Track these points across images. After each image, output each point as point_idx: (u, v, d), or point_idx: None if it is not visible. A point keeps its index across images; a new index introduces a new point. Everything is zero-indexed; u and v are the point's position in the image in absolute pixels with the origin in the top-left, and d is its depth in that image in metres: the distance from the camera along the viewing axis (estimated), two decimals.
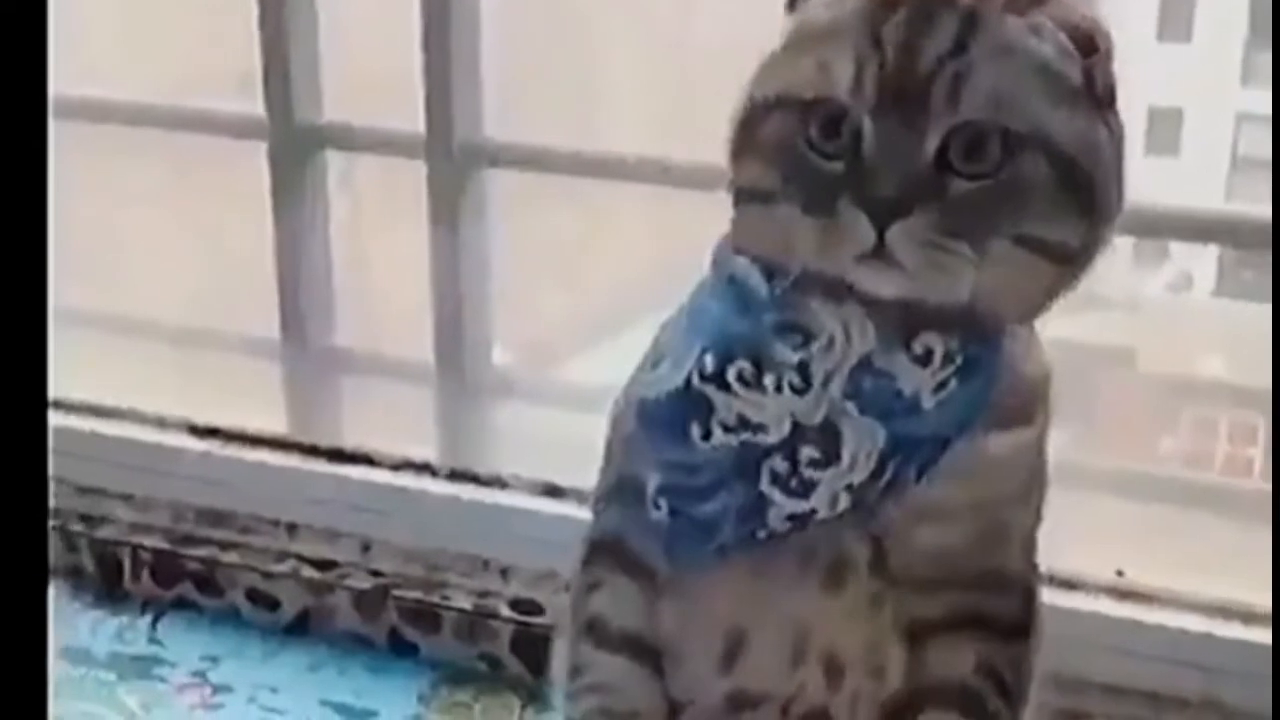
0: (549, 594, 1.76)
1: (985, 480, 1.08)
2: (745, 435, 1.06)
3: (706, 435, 1.07)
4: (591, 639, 1.17)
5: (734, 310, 1.07)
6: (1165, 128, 3.46)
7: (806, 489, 1.06)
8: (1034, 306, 1.07)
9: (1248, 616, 1.61)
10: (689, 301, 1.12)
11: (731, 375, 1.06)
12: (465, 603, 1.82)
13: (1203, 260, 3.59)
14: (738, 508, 1.08)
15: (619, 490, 1.16)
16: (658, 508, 1.10)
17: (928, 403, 1.04)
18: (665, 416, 1.09)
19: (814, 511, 1.06)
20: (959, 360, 1.04)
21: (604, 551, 1.17)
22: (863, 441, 1.05)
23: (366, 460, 1.92)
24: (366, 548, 1.89)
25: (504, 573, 1.84)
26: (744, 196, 1.06)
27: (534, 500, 1.84)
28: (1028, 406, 1.09)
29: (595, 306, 1.84)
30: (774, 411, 1.06)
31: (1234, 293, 3.55)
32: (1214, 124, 3.29)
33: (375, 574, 1.87)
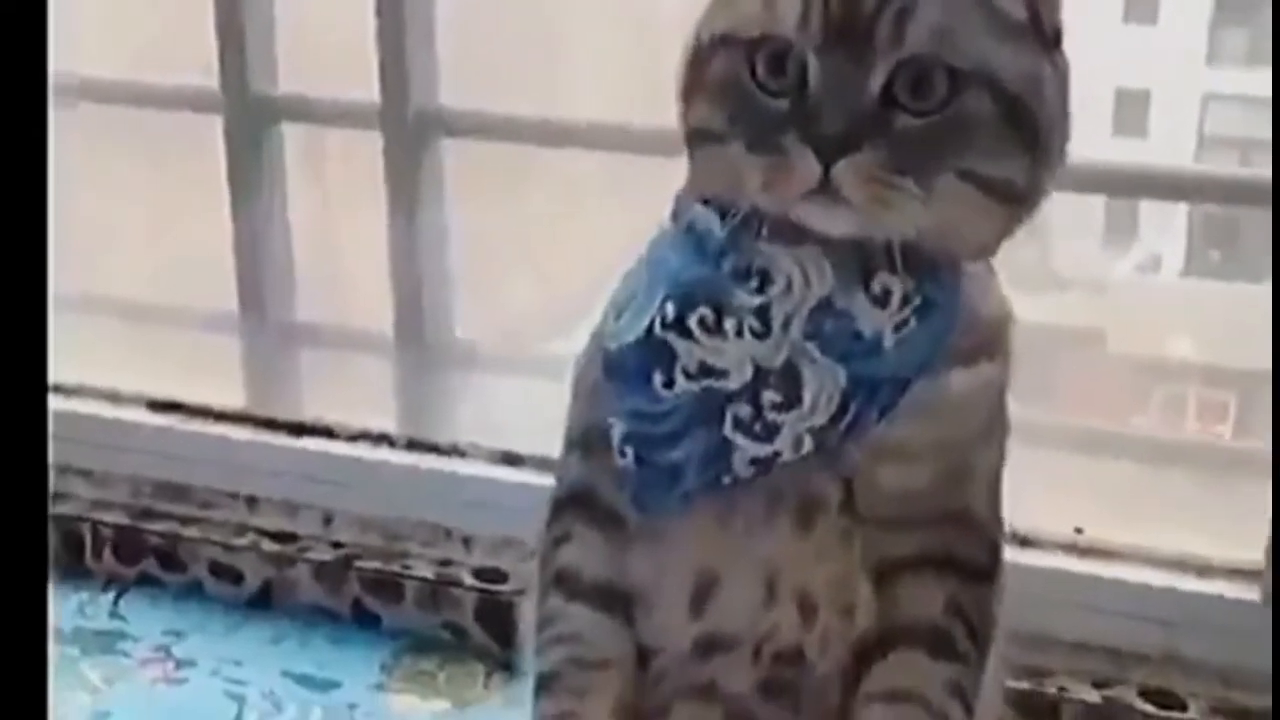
0: (512, 561, 1.76)
1: (947, 419, 1.09)
2: (708, 381, 1.07)
3: (670, 383, 1.08)
4: (561, 590, 1.17)
5: (693, 258, 1.08)
6: (1132, 109, 3.49)
7: (770, 433, 1.07)
8: (985, 245, 1.08)
9: (1204, 569, 1.62)
10: (648, 251, 1.12)
11: (693, 322, 1.07)
12: (427, 572, 1.82)
13: (1171, 241, 3.61)
14: (702, 453, 1.08)
15: (585, 441, 1.16)
16: (624, 456, 1.10)
17: (888, 342, 1.05)
18: (629, 365, 1.09)
19: (778, 455, 1.07)
20: (917, 300, 1.05)
21: (572, 503, 1.18)
22: (824, 383, 1.05)
23: (325, 432, 1.92)
24: (327, 519, 1.89)
25: (466, 541, 1.84)
26: (695, 138, 1.07)
27: (494, 469, 1.84)
28: (988, 345, 1.10)
29: (558, 278, 1.84)
30: (735, 356, 1.06)
31: (1202, 273, 3.57)
32: (1181, 104, 3.32)
33: (336, 545, 1.87)
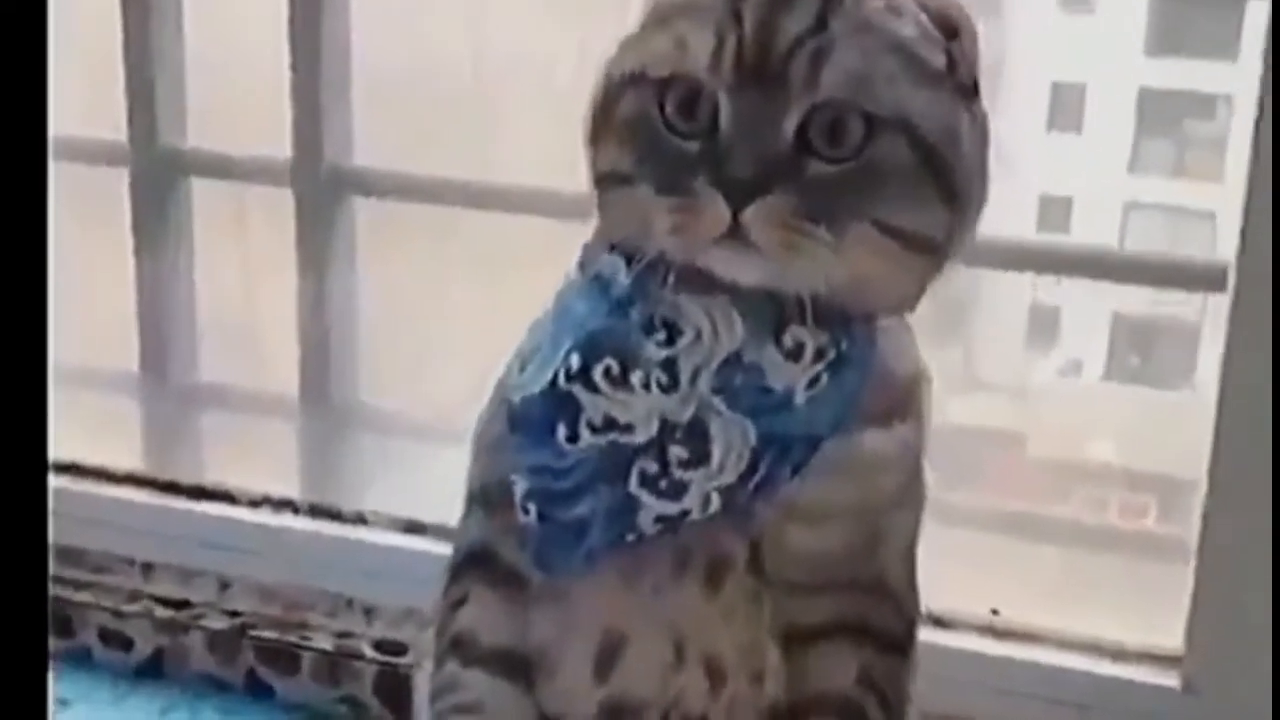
0: (413, 633, 1.70)
1: (860, 480, 1.05)
2: (613, 435, 1.03)
3: (574, 437, 1.04)
4: (458, 656, 1.13)
5: (600, 308, 1.04)
6: (1068, 103, 3.50)
7: (677, 490, 1.03)
8: (901, 299, 1.05)
9: (1121, 654, 1.58)
10: (555, 301, 1.08)
11: (598, 374, 1.03)
12: (326, 643, 1.76)
13: (1092, 345, 3.62)
14: (606, 510, 1.04)
15: (486, 498, 1.12)
16: (526, 512, 1.06)
17: (799, 399, 1.02)
18: (532, 418, 1.05)
19: (685, 513, 1.03)
20: (831, 355, 1.02)
21: (471, 563, 1.13)
22: (733, 440, 1.02)
23: (225, 497, 1.86)
24: (224, 586, 1.83)
25: (367, 612, 1.78)
26: (603, 181, 1.04)
27: (398, 537, 1.79)
28: (903, 404, 1.07)
29: (474, 344, 1.80)
30: (642, 410, 1.02)
31: (1122, 378, 3.58)
32: (1117, 98, 3.33)
33: (232, 614, 1.81)
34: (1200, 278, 1.57)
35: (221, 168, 1.92)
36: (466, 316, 1.85)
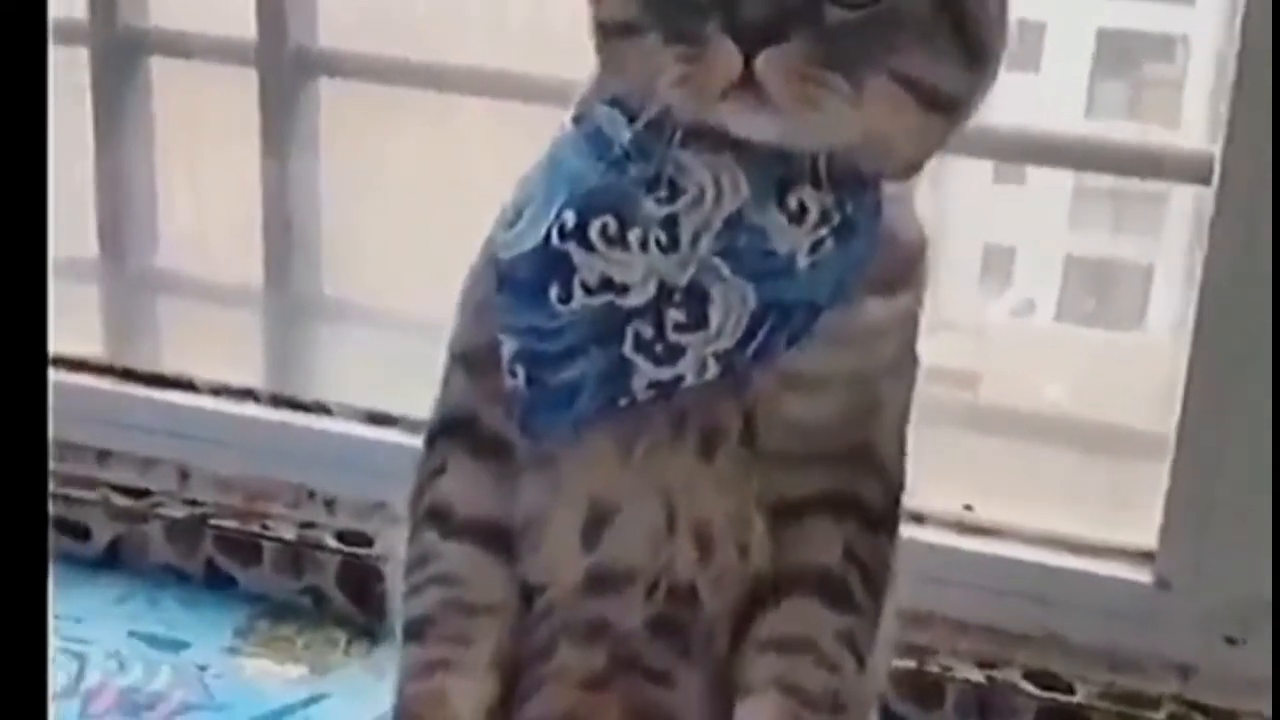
0: (378, 525, 1.67)
1: (860, 350, 1.03)
2: (608, 297, 1.00)
3: (567, 297, 1.00)
4: (436, 526, 1.09)
5: (597, 162, 1.00)
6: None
7: (672, 354, 1.00)
8: (911, 160, 1.02)
9: (1094, 550, 1.57)
10: (548, 154, 1.04)
11: (594, 232, 0.99)
12: (288, 534, 1.74)
13: (1045, 287, 3.64)
14: (598, 374, 1.01)
15: (470, 360, 1.08)
16: (513, 375, 1.03)
17: (802, 263, 0.99)
18: (522, 277, 1.02)
19: (680, 378, 1.00)
20: (836, 219, 0.99)
21: (452, 430, 1.10)
22: (732, 304, 0.99)
23: (185, 385, 1.83)
24: (184, 476, 1.80)
25: (329, 503, 1.75)
26: (605, 31, 1.00)
27: (361, 428, 1.76)
28: (905, 273, 1.04)
29: (438, 230, 1.76)
30: (639, 271, 0.99)
31: (1075, 319, 3.59)
32: (1074, 40, 3.32)
33: (192, 503, 1.78)
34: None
35: (183, 47, 1.87)
36: (434, 202, 1.81)
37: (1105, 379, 1.75)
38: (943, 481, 1.63)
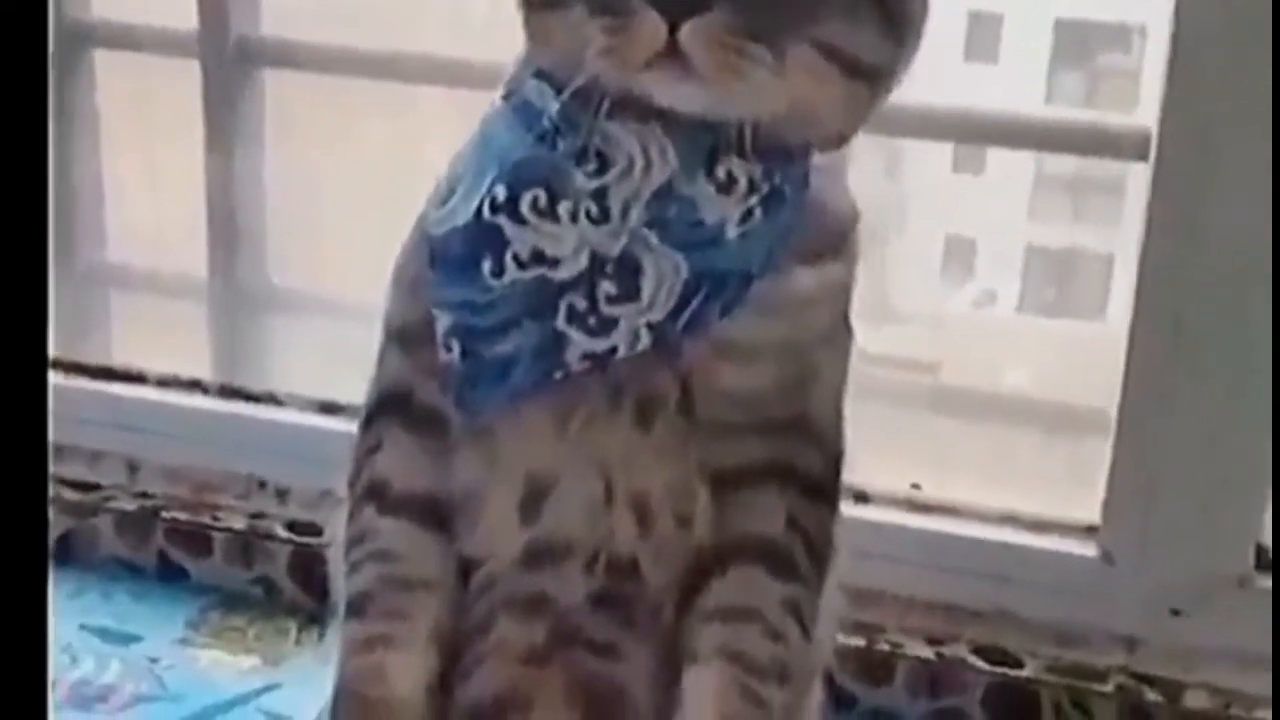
0: (328, 515, 1.67)
1: (791, 319, 1.03)
2: (540, 270, 1.00)
3: (499, 271, 1.01)
4: (374, 503, 1.10)
5: (527, 137, 1.01)
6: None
7: (606, 326, 1.00)
8: (838, 130, 1.02)
9: (1041, 525, 1.58)
10: (479, 130, 1.05)
11: (525, 205, 1.00)
12: (239, 524, 1.73)
13: (1006, 278, 3.65)
14: (533, 347, 1.01)
15: (404, 336, 1.08)
16: (448, 350, 1.03)
17: (731, 233, 0.99)
18: (454, 252, 1.02)
19: (614, 350, 1.01)
20: (764, 189, 0.99)
21: (388, 406, 1.10)
22: (664, 275, 0.99)
23: (134, 377, 1.83)
24: (133, 468, 1.79)
25: (280, 493, 1.75)
26: (531, 4, 1.00)
27: (310, 417, 1.76)
28: (836, 242, 1.05)
29: (388, 220, 1.76)
30: (570, 243, 1.00)
31: (1036, 309, 3.61)
32: (1032, 31, 3.33)
33: (142, 496, 1.77)
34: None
35: (126, 39, 1.86)
36: (386, 192, 1.80)
37: (1067, 368, 1.75)
38: (893, 460, 1.64)
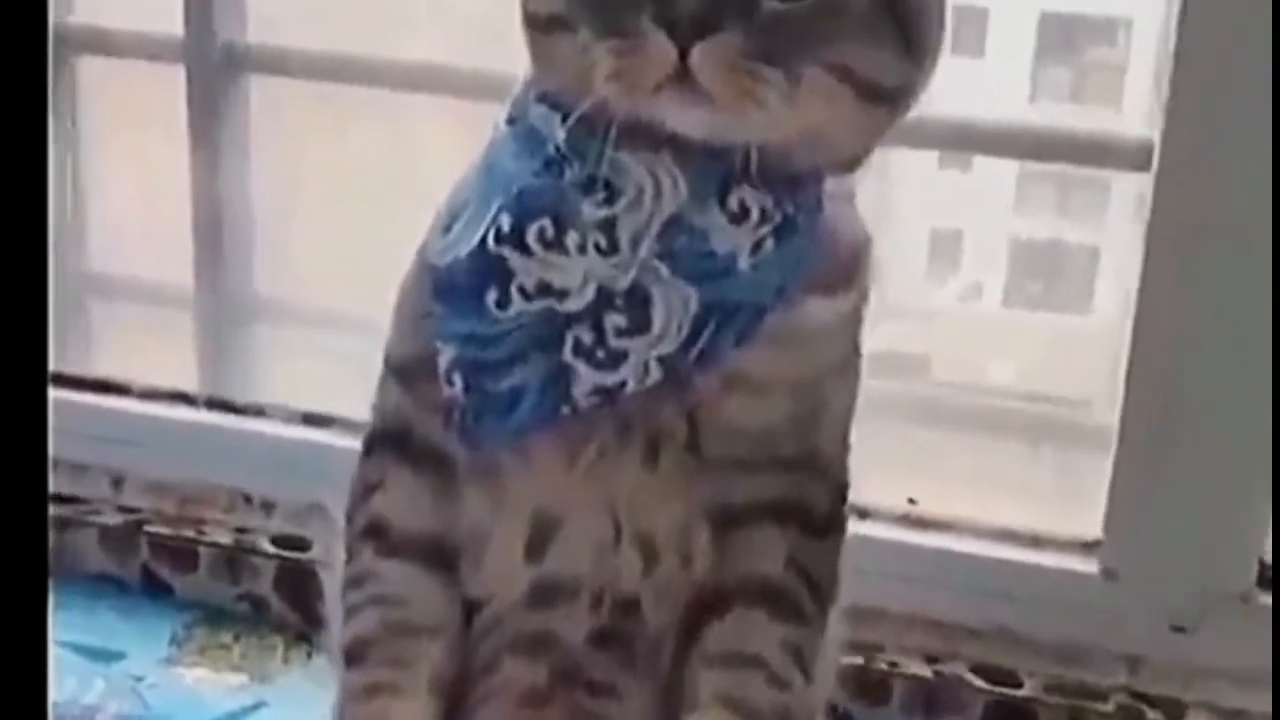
0: (315, 529, 1.65)
1: (804, 352, 1.01)
2: (547, 302, 0.98)
3: (504, 302, 0.98)
4: (374, 544, 1.07)
5: (533, 165, 0.98)
6: (970, 27, 3.49)
7: (614, 360, 0.98)
8: (850, 155, 1.00)
9: (1040, 541, 1.56)
10: (483, 157, 1.02)
11: (531, 235, 0.97)
12: (224, 539, 1.71)
13: (992, 272, 3.65)
14: (539, 381, 0.99)
15: (404, 370, 1.06)
16: (451, 384, 1.00)
17: (743, 264, 0.97)
18: (458, 283, 0.99)
19: (623, 384, 0.98)
20: (777, 219, 0.97)
21: (387, 443, 1.07)
22: (674, 307, 0.97)
23: (118, 389, 1.80)
24: (117, 482, 1.77)
25: (266, 507, 1.73)
26: (536, 24, 0.97)
27: (297, 430, 1.73)
28: (848, 272, 1.02)
29: (379, 229, 1.73)
30: (578, 275, 0.97)
31: (1021, 304, 3.60)
32: (1018, 25, 3.32)
33: (126, 510, 1.74)
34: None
35: (111, 45, 1.83)
36: (373, 201, 1.78)
37: (1054, 362, 1.73)
38: (888, 475, 1.61)
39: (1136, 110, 1.42)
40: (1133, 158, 1.48)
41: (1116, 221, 1.49)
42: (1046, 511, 1.60)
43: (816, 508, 1.06)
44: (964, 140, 1.67)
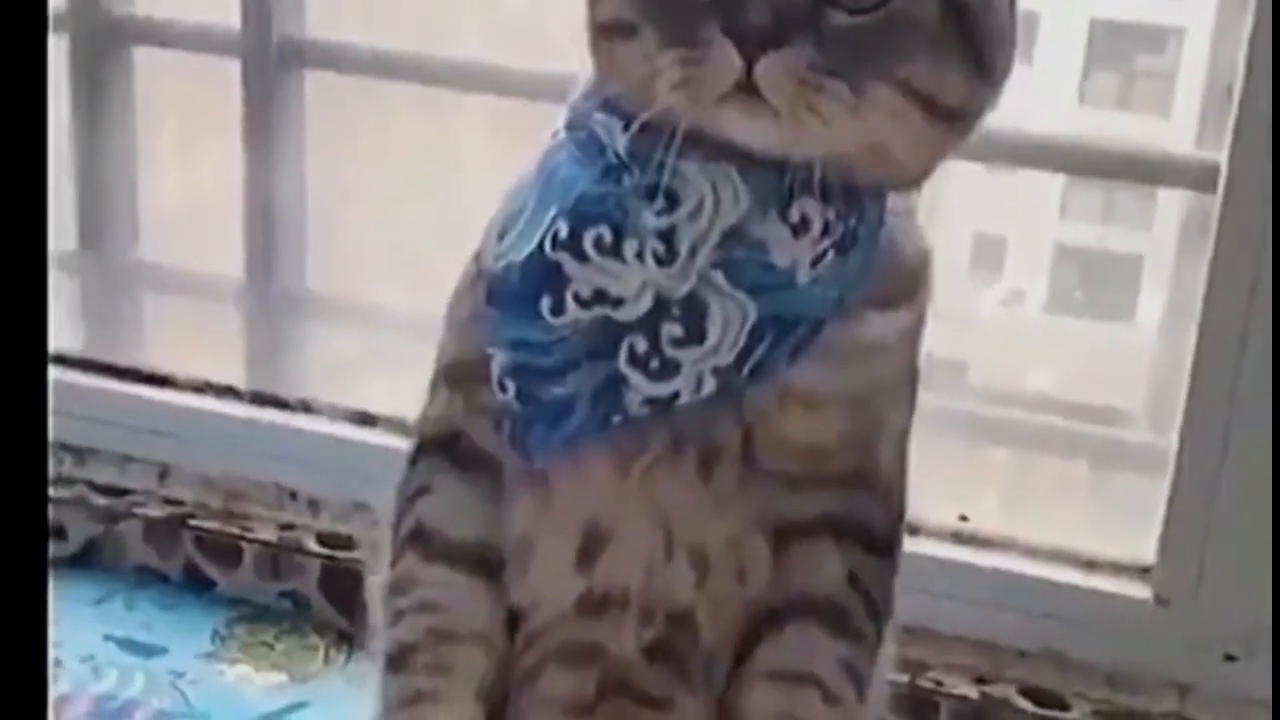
0: (360, 528, 1.64)
1: (861, 365, 0.99)
2: (602, 309, 0.96)
3: (559, 309, 0.97)
4: (419, 550, 1.05)
5: (592, 171, 0.97)
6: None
7: (668, 370, 0.96)
8: (914, 172, 0.98)
9: (1092, 565, 1.54)
10: (540, 162, 1.01)
11: (588, 242, 0.96)
12: (269, 535, 1.70)
13: (1035, 278, 3.62)
14: (592, 389, 0.97)
15: (456, 375, 1.04)
16: (503, 390, 0.99)
17: (803, 277, 0.95)
18: (513, 288, 0.98)
19: (676, 395, 0.97)
20: (838, 231, 0.95)
21: (436, 448, 1.06)
22: (731, 318, 0.95)
23: (166, 382, 1.79)
24: (163, 474, 1.76)
25: (312, 504, 1.72)
26: (602, 32, 0.96)
27: (344, 428, 1.72)
28: (908, 287, 1.01)
29: (426, 226, 1.72)
30: (634, 283, 0.96)
31: (1065, 310, 3.59)
32: (1068, 31, 3.30)
33: (171, 503, 1.74)
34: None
35: (167, 36, 1.83)
36: (424, 198, 1.77)
37: (1093, 371, 1.71)
38: (939, 491, 1.59)
39: (1185, 118, 1.39)
40: (1194, 177, 1.46)
41: (1162, 229, 1.46)
42: (1086, 530, 1.57)
43: (874, 525, 1.04)
44: (1017, 156, 1.64)
